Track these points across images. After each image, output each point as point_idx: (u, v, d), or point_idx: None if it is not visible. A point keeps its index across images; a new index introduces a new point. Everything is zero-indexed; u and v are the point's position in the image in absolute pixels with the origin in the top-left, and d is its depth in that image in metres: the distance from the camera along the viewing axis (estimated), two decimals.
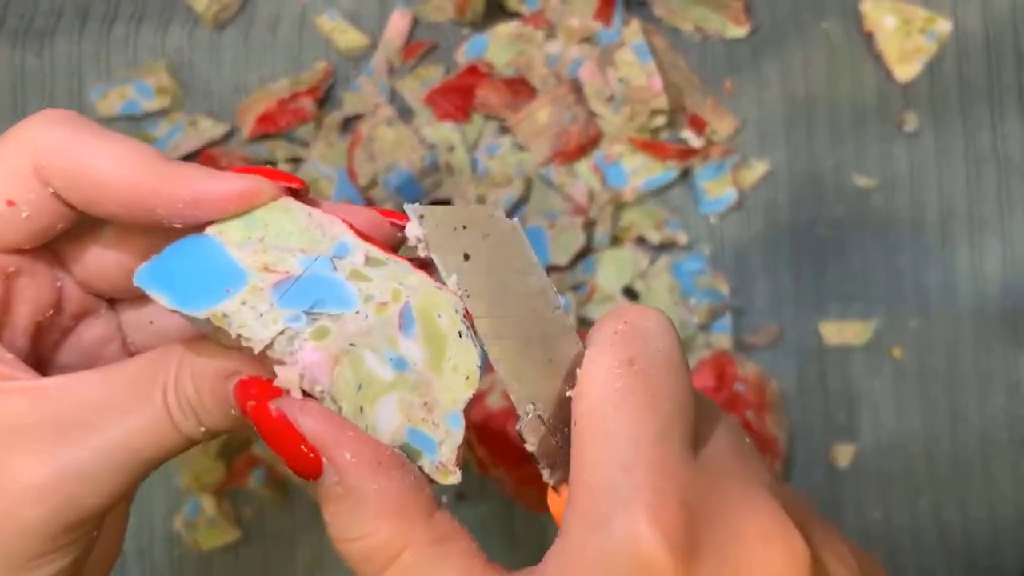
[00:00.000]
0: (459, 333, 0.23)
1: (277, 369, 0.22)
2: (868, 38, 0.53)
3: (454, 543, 0.23)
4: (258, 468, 0.50)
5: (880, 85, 0.53)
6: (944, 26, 0.53)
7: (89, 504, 0.23)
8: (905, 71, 0.53)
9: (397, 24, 0.52)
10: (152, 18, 0.52)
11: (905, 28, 0.53)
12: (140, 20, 0.52)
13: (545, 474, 0.23)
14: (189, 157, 0.51)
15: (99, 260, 0.27)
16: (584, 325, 0.51)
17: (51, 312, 0.26)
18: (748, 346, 0.53)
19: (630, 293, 0.52)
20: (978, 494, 0.53)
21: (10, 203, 0.24)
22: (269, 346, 0.22)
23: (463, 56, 0.52)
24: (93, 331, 0.28)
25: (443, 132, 0.50)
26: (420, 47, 0.52)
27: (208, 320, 0.22)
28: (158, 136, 0.51)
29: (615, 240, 0.52)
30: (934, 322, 0.53)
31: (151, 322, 0.28)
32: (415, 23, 0.53)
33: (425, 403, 0.23)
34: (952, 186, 0.53)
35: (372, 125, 0.50)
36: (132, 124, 0.52)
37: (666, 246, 0.52)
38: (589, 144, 0.51)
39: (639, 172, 0.51)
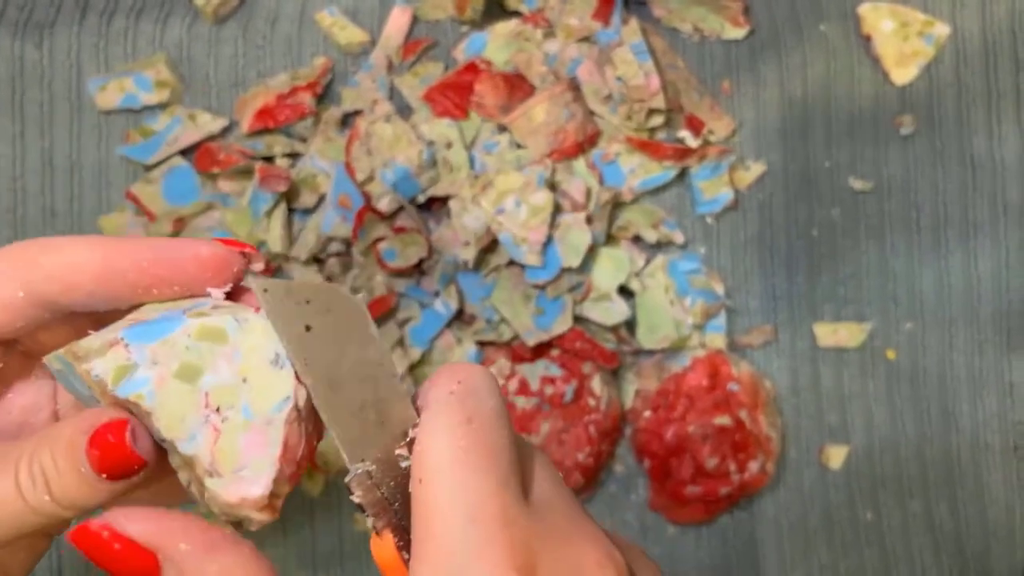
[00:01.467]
0: (274, 362, 0.25)
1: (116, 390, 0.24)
2: (866, 41, 0.53)
3: None
4: None
5: (877, 88, 0.54)
6: (942, 30, 0.53)
7: None
8: (902, 74, 0.53)
9: (397, 21, 0.52)
10: (152, 11, 0.52)
11: (903, 31, 0.53)
12: (140, 13, 0.52)
13: (370, 521, 0.25)
14: (188, 150, 0.51)
15: (55, 333, 0.28)
16: (582, 323, 0.51)
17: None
18: (742, 346, 0.53)
19: (625, 292, 0.52)
20: (969, 496, 0.53)
21: None
22: (115, 381, 0.24)
23: (462, 54, 0.52)
24: (24, 398, 0.29)
25: (441, 129, 0.50)
26: (419, 44, 0.52)
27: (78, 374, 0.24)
28: (157, 129, 0.51)
29: (611, 239, 0.52)
30: (928, 325, 0.53)
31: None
32: (415, 20, 0.53)
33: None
34: (947, 189, 0.53)
35: (370, 121, 0.50)
36: (131, 117, 0.52)
37: (662, 245, 0.53)
38: (587, 142, 0.51)
39: (636, 171, 0.51)
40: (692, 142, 0.51)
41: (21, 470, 0.25)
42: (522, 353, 0.50)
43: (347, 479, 0.25)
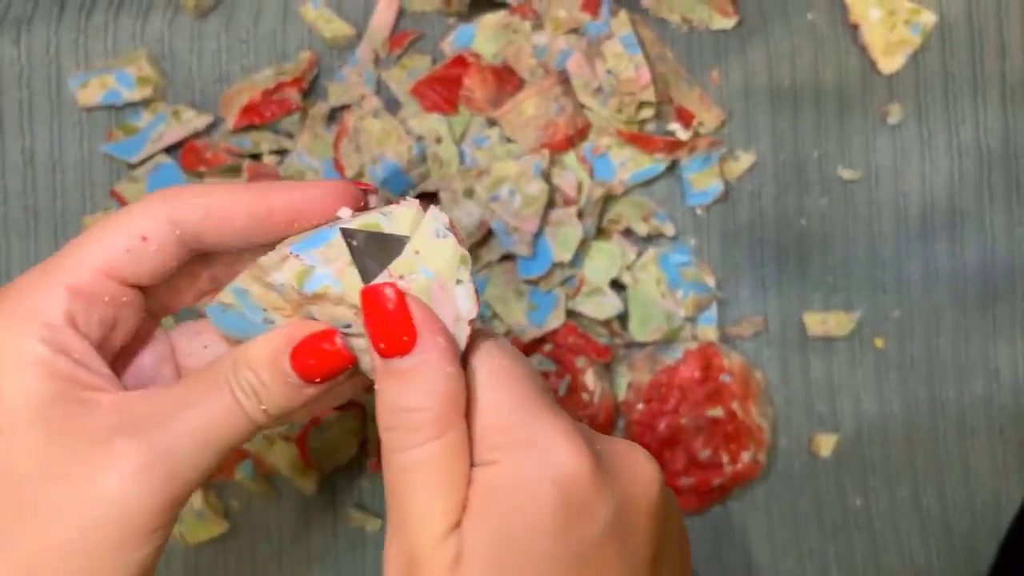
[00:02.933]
0: (436, 234, 0.29)
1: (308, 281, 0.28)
2: (853, 30, 0.53)
3: (467, 443, 0.28)
4: (245, 461, 0.50)
5: (865, 77, 0.54)
6: (928, 18, 0.53)
7: (184, 479, 0.27)
8: (889, 63, 0.53)
9: (383, 13, 0.52)
10: (131, 6, 0.51)
11: (890, 20, 0.53)
12: (119, 7, 0.51)
13: None
14: (173, 148, 0.50)
15: (178, 289, 0.32)
16: (574, 318, 0.51)
17: (130, 338, 0.31)
18: (732, 337, 0.53)
19: (617, 286, 0.52)
20: (956, 479, 0.54)
21: (144, 239, 0.28)
22: (299, 283, 0.28)
23: (449, 46, 0.52)
24: (150, 356, 0.32)
25: (430, 123, 0.50)
26: (406, 37, 0.52)
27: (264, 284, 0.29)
28: (141, 126, 0.50)
29: (601, 232, 0.52)
30: (915, 312, 0.54)
31: (205, 347, 0.33)
32: (401, 13, 0.52)
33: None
34: (935, 178, 0.54)
35: (358, 117, 0.50)
36: (113, 114, 0.51)
37: (653, 237, 0.53)
38: (577, 136, 0.51)
39: (627, 165, 0.51)
40: (683, 135, 0.51)
41: (234, 383, 0.28)
42: None
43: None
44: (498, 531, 0.27)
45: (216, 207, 0.29)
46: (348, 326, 0.28)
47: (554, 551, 0.27)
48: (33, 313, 0.28)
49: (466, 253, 0.28)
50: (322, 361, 0.28)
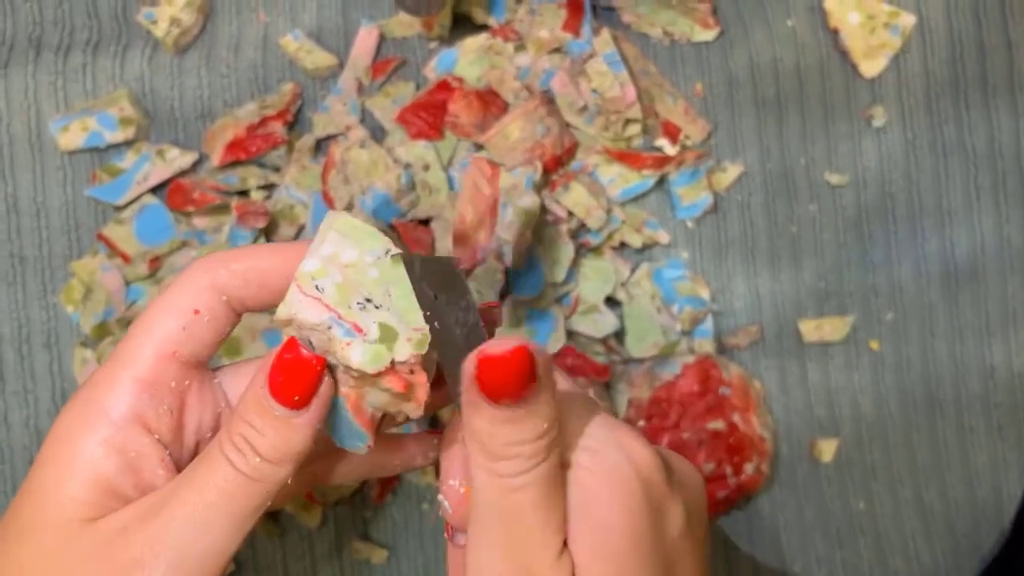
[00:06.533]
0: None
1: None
2: (834, 35, 0.54)
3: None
4: None
5: (847, 81, 0.54)
6: (908, 20, 0.53)
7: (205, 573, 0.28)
8: (871, 66, 0.54)
9: (364, 41, 0.51)
10: (109, 44, 0.51)
11: (869, 23, 0.53)
12: (96, 47, 0.51)
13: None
14: (159, 188, 0.50)
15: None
16: (571, 338, 0.51)
17: (212, 432, 0.32)
18: (729, 347, 0.53)
19: (612, 303, 0.52)
20: (957, 478, 0.54)
21: (196, 312, 0.29)
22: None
23: (432, 71, 0.52)
24: (208, 410, 0.32)
25: (417, 151, 0.50)
26: (389, 64, 0.51)
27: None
28: (125, 167, 0.49)
29: (594, 250, 0.52)
30: (908, 314, 0.54)
31: None
32: (381, 39, 0.52)
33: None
34: (921, 179, 0.54)
35: (345, 148, 0.49)
36: (97, 156, 0.50)
37: (648, 247, 0.52)
38: (566, 155, 0.50)
39: (616, 182, 0.51)
40: (670, 150, 0.51)
41: (225, 445, 0.28)
42: None
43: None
44: (600, 539, 0.28)
45: (253, 274, 0.30)
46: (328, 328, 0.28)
47: (651, 554, 0.29)
48: (100, 411, 0.29)
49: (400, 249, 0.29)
50: (289, 374, 0.28)
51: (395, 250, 0.29)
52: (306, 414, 0.28)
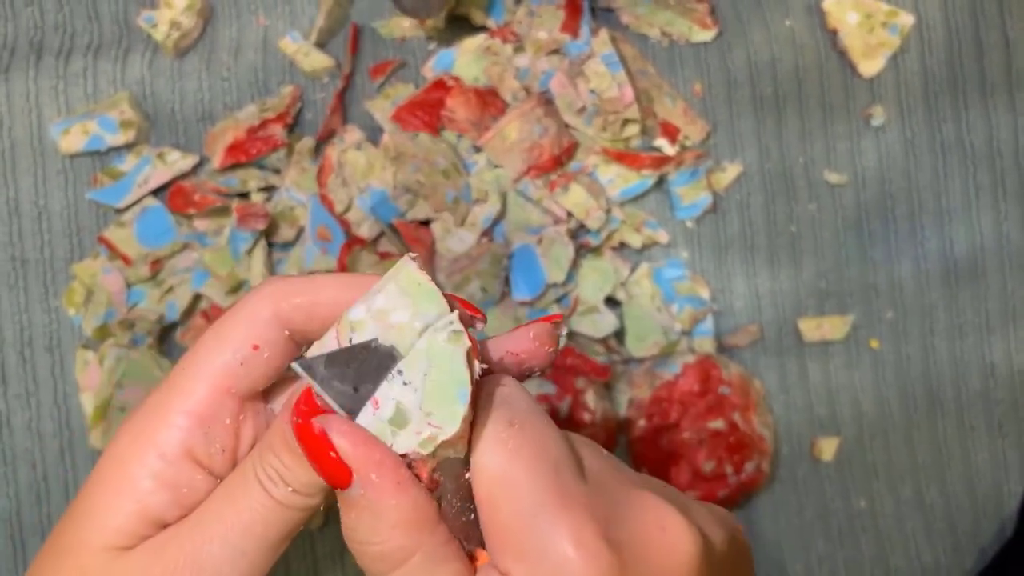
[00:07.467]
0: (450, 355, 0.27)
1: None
2: (832, 35, 0.54)
3: (452, 547, 0.27)
4: None
5: (846, 80, 0.54)
6: (906, 19, 0.54)
7: None
8: (870, 66, 0.54)
9: (362, 43, 0.51)
10: (110, 48, 0.51)
11: (868, 23, 0.54)
12: (97, 51, 0.51)
13: (464, 546, 0.28)
14: (160, 190, 0.50)
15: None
16: (571, 338, 0.51)
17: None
18: (729, 347, 0.53)
19: (612, 303, 0.52)
20: (958, 476, 0.54)
21: (255, 347, 0.28)
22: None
23: (431, 71, 0.52)
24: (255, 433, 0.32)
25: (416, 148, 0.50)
26: (387, 65, 0.52)
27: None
28: (125, 170, 0.50)
29: (594, 250, 0.52)
30: (908, 312, 0.54)
31: None
32: (380, 40, 0.52)
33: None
34: (920, 177, 0.54)
35: (341, 150, 0.50)
36: (98, 159, 0.50)
37: (647, 247, 0.53)
38: (564, 155, 0.51)
39: (615, 182, 0.51)
40: (669, 150, 0.51)
41: (260, 475, 0.27)
42: None
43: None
44: None
45: (321, 307, 0.28)
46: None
47: None
48: (151, 443, 0.28)
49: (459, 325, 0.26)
50: (304, 418, 0.26)
51: (456, 326, 0.26)
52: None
